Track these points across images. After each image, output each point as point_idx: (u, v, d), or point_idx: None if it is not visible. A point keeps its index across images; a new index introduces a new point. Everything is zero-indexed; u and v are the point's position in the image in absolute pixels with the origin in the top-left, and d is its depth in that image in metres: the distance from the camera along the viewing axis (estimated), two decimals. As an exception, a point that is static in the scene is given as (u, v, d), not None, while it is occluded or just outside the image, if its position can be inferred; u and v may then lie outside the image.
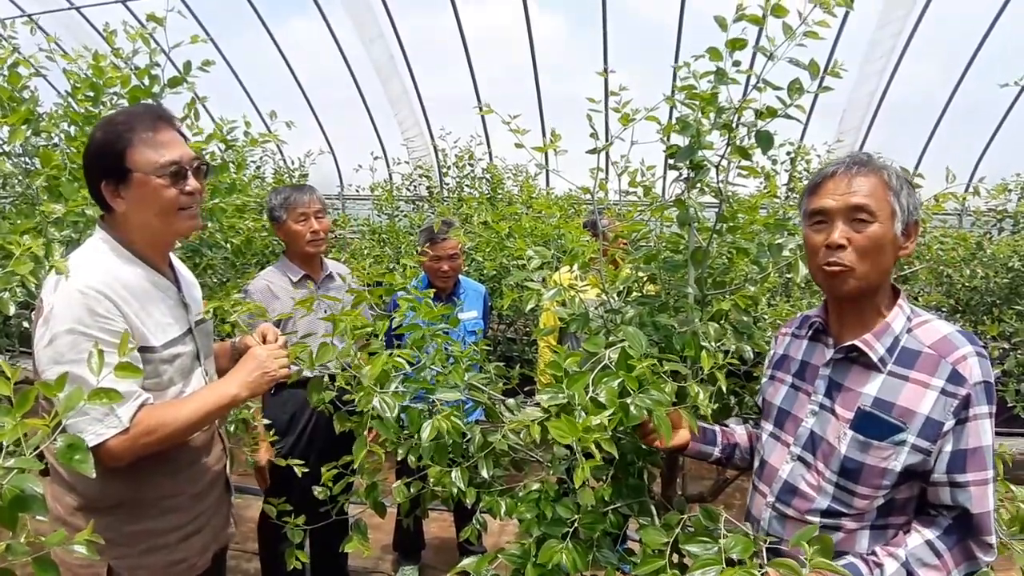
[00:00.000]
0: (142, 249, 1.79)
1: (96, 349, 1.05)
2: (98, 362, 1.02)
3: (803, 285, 5.20)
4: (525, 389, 2.36)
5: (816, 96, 1.72)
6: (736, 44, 1.66)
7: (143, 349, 1.69)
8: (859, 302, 1.57)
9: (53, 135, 2.71)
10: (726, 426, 1.95)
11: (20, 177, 2.66)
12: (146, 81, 2.67)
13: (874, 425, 1.49)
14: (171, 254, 1.94)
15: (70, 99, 2.68)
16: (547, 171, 8.45)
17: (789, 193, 6.96)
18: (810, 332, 1.73)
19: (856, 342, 1.56)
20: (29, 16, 3.24)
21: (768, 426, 1.78)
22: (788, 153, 6.81)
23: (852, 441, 1.52)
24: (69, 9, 8.53)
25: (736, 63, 1.70)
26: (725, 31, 1.66)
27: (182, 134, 1.82)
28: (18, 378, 0.93)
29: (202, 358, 1.93)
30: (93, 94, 2.65)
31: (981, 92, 8.33)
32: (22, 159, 2.79)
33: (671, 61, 8.32)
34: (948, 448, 1.44)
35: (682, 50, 8.22)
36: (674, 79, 1.87)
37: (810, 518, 1.57)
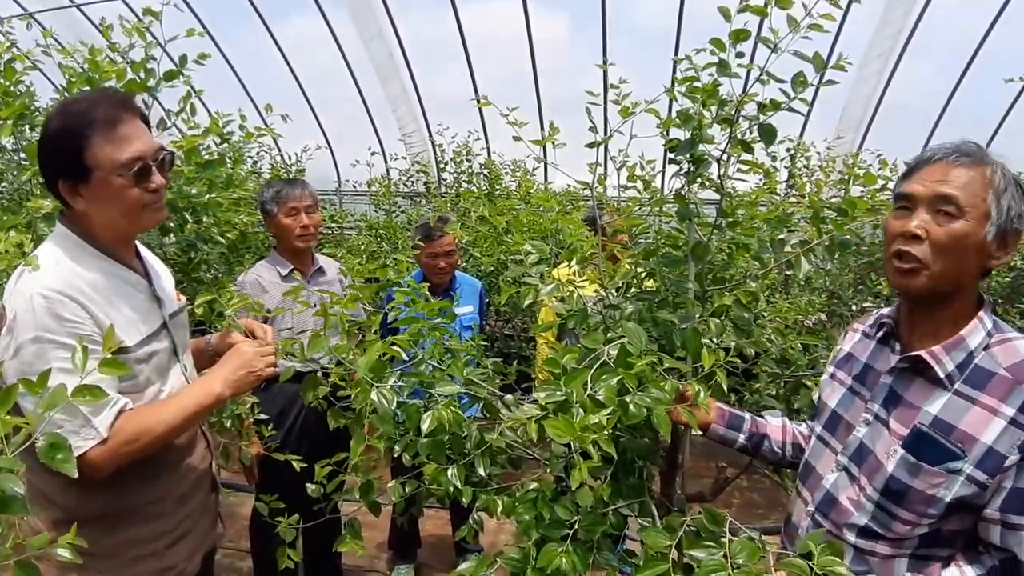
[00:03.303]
0: (107, 244, 1.68)
1: (81, 345, 1.01)
2: (82, 359, 0.98)
3: (803, 283, 5.19)
4: (523, 386, 2.34)
5: (816, 93, 1.69)
6: (740, 35, 1.63)
7: (117, 351, 1.56)
8: (932, 307, 1.43)
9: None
10: (760, 415, 1.88)
11: (15, 173, 2.63)
12: (141, 75, 2.64)
13: (929, 447, 1.36)
14: (141, 245, 1.85)
15: (66, 94, 2.64)
16: (545, 166, 8.45)
17: (789, 190, 6.95)
18: (879, 333, 1.60)
19: (923, 353, 1.41)
20: (29, 14, 3.20)
21: (818, 428, 1.67)
22: (788, 150, 6.78)
23: (901, 461, 1.39)
24: (69, 7, 8.48)
25: (740, 54, 1.66)
26: (729, 21, 1.63)
27: (145, 120, 1.68)
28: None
29: (180, 353, 1.85)
30: (88, 88, 2.61)
31: (980, 93, 8.32)
32: (17, 155, 2.76)
33: (669, 65, 8.31)
34: (1008, 484, 1.29)
35: (680, 54, 8.17)
36: (674, 72, 1.85)
37: (846, 533, 1.47)
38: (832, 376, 1.70)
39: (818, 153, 7.36)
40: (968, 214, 1.32)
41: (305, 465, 2.50)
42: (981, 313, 1.41)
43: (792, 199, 6.33)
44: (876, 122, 8.72)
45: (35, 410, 0.93)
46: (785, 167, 6.78)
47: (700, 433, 1.85)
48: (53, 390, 0.91)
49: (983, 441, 1.30)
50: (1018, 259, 5.19)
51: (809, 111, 1.80)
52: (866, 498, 1.45)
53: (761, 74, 1.66)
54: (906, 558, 1.41)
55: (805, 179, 6.87)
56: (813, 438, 1.69)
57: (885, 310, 1.65)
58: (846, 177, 6.05)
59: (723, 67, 1.67)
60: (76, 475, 0.94)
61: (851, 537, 1.46)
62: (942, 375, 1.38)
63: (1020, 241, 1.37)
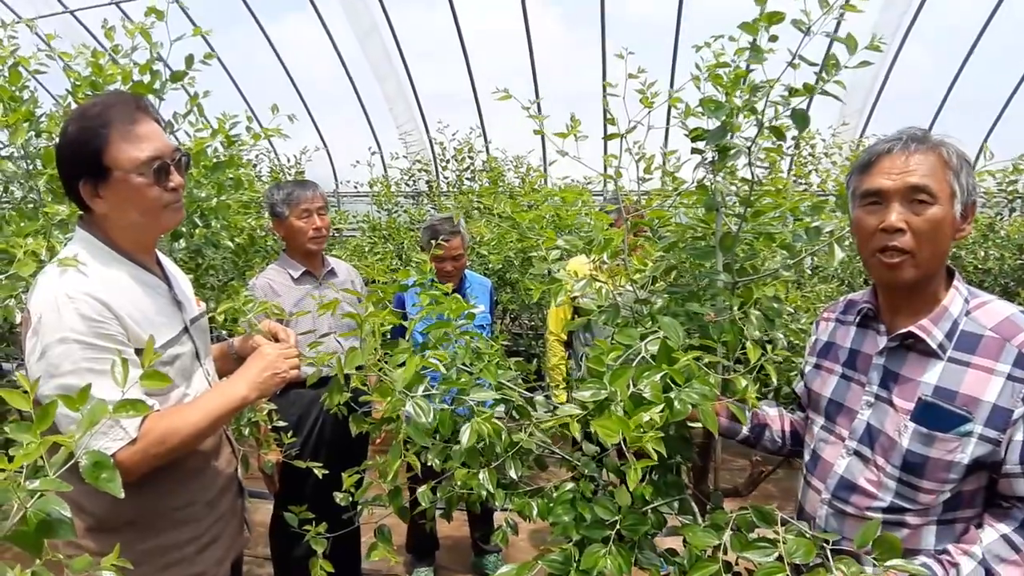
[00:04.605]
0: (127, 247, 1.67)
1: (120, 358, 0.96)
2: (123, 373, 0.93)
3: (810, 271, 5.16)
4: (540, 384, 2.30)
5: (817, 81, 1.65)
6: (773, 18, 1.58)
7: (141, 352, 1.57)
8: (914, 287, 1.47)
9: (55, 135, 2.62)
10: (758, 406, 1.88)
11: (22, 180, 2.58)
12: (147, 77, 2.59)
13: (937, 416, 1.40)
14: (157, 251, 1.83)
15: (70, 98, 2.59)
16: (547, 165, 8.38)
17: (796, 180, 6.90)
18: (858, 318, 1.63)
19: (913, 328, 1.46)
20: (26, 22, 3.14)
21: (819, 419, 1.68)
22: (792, 137, 6.74)
23: (914, 434, 1.42)
24: (64, 13, 8.42)
25: (773, 38, 1.62)
26: (761, 4, 1.58)
27: (159, 122, 1.68)
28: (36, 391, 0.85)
29: (202, 357, 1.84)
30: (93, 93, 2.56)
31: (983, 78, 8.29)
32: (22, 162, 2.71)
33: (667, 59, 8.28)
34: (1019, 437, 1.35)
35: (680, 48, 8.14)
36: (674, 63, 1.81)
37: (871, 515, 1.47)
38: (817, 367, 1.72)
39: (823, 140, 7.32)
40: (939, 198, 1.39)
41: (327, 472, 2.46)
42: (955, 282, 1.49)
43: (801, 187, 6.29)
44: (879, 108, 8.67)
45: (75, 428, 0.88)
46: (790, 155, 6.73)
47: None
48: (94, 405, 0.86)
49: (986, 400, 1.36)
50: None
51: (811, 98, 1.74)
52: (887, 476, 1.47)
53: (794, 58, 1.61)
54: (934, 525, 1.44)
55: (810, 167, 6.83)
56: (815, 428, 1.69)
57: (855, 295, 1.72)
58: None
59: (756, 52, 1.63)
60: (122, 494, 0.89)
61: (877, 516, 1.47)
62: (934, 345, 1.44)
63: (976, 211, 1.47)
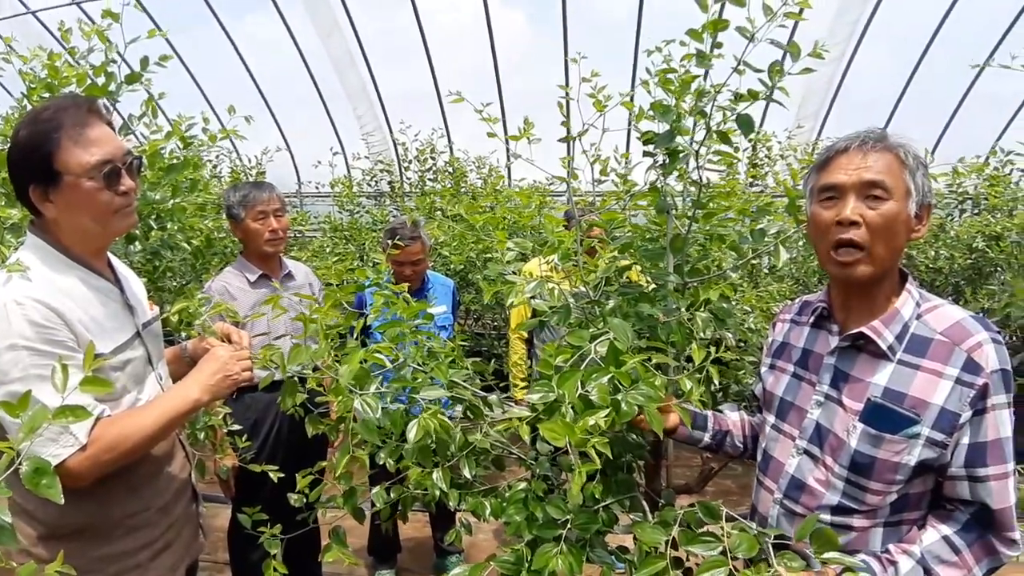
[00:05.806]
0: (78, 252, 1.65)
1: (60, 364, 0.96)
2: (63, 378, 0.93)
3: (767, 271, 5.24)
4: (501, 384, 2.31)
5: (773, 85, 1.68)
6: (717, 25, 1.61)
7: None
8: (868, 287, 1.48)
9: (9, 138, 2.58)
10: (719, 411, 1.90)
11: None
12: (102, 79, 2.55)
13: (886, 417, 1.41)
14: (110, 254, 1.81)
15: (26, 100, 2.55)
16: (508, 166, 8.39)
17: (752, 181, 7.00)
18: (812, 318, 1.65)
19: (864, 329, 1.47)
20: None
21: (771, 418, 1.70)
22: (749, 140, 6.84)
23: (863, 434, 1.44)
24: (25, 14, 8.24)
25: (718, 44, 1.65)
26: (706, 12, 1.61)
27: (110, 125, 1.66)
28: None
29: (154, 362, 1.82)
30: (49, 95, 2.53)
31: (936, 80, 8.47)
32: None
33: (628, 57, 8.33)
34: (965, 440, 1.37)
35: (641, 48, 8.20)
36: (635, 65, 1.83)
37: (819, 514, 1.49)
38: (772, 367, 1.75)
39: (779, 143, 7.43)
40: (894, 194, 1.40)
41: (283, 475, 2.45)
42: (908, 285, 1.50)
43: (755, 189, 6.38)
44: (834, 110, 8.82)
45: (17, 433, 0.88)
46: (747, 157, 6.83)
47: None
48: (35, 411, 0.86)
49: (935, 403, 1.37)
50: (980, 241, 5.28)
51: (768, 101, 1.77)
52: (835, 476, 1.49)
53: (739, 64, 1.65)
54: (880, 527, 1.46)
55: (766, 169, 6.93)
56: (767, 428, 1.72)
57: (810, 296, 1.73)
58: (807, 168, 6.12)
59: (702, 58, 1.66)
60: (62, 501, 0.89)
61: (826, 517, 1.49)
62: (884, 347, 1.45)
63: (931, 214, 1.49)
